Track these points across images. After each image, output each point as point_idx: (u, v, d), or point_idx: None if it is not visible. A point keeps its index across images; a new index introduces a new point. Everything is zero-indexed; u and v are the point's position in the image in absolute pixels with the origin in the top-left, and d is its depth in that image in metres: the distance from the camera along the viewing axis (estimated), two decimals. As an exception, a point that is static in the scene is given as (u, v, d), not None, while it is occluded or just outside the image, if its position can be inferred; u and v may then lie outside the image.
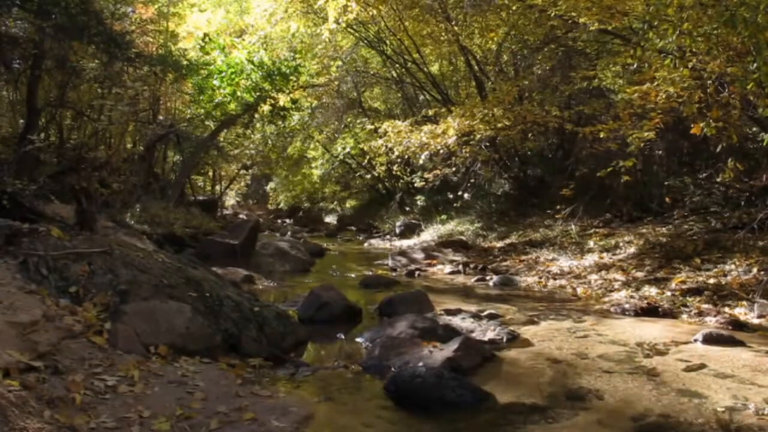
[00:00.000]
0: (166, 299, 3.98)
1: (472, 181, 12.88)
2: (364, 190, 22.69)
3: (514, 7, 9.17)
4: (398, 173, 15.30)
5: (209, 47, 13.41)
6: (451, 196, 12.81)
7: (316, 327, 5.02)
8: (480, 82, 12.59)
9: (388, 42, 14.39)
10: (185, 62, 12.97)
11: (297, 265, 9.16)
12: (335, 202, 25.48)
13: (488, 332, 4.60)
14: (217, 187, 22.76)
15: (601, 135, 7.07)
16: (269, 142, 19.47)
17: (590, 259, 8.05)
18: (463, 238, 11.73)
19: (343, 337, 4.79)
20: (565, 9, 6.75)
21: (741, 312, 5.26)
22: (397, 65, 15.08)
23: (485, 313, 5.41)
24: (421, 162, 12.00)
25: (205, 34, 13.88)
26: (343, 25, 11.36)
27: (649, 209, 9.23)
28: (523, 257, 9.11)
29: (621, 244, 8.28)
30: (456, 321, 4.91)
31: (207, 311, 4.09)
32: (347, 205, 24.38)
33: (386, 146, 10.31)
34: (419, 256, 10.01)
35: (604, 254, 8.08)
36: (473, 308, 5.65)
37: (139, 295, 3.96)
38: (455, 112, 9.51)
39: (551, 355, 4.12)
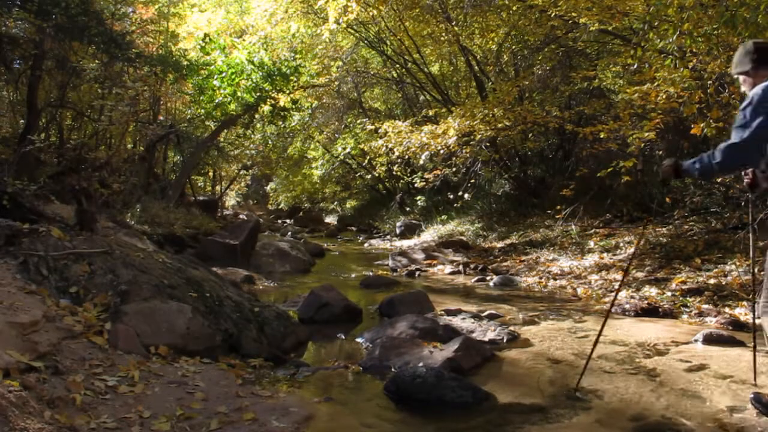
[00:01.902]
0: (167, 299, 3.98)
1: (473, 181, 12.87)
2: (364, 190, 22.71)
3: (514, 8, 9.19)
4: (398, 173, 15.31)
5: (209, 47, 13.42)
6: (451, 196, 12.79)
7: (316, 327, 5.02)
8: (480, 82, 12.59)
9: (388, 42, 14.40)
10: (185, 62, 13.00)
11: (297, 265, 9.17)
12: (335, 203, 25.51)
13: (488, 332, 4.60)
14: (218, 188, 22.77)
15: (602, 135, 7.08)
16: (269, 142, 19.47)
17: (590, 259, 8.05)
18: (464, 238, 11.74)
19: (343, 337, 4.79)
20: (566, 9, 6.77)
21: (741, 312, 5.26)
22: (398, 65, 15.08)
23: (485, 313, 5.41)
24: (421, 162, 11.99)
25: (206, 35, 13.88)
26: (344, 25, 11.35)
27: (650, 209, 9.23)
28: (524, 257, 9.11)
29: (621, 244, 8.28)
30: (456, 321, 4.91)
31: (207, 311, 4.09)
32: (347, 205, 24.39)
33: (386, 146, 10.31)
34: (419, 256, 10.01)
35: (605, 254, 8.08)
36: (473, 308, 5.65)
37: (139, 295, 3.96)
38: (455, 113, 9.51)
39: (551, 355, 4.12)
